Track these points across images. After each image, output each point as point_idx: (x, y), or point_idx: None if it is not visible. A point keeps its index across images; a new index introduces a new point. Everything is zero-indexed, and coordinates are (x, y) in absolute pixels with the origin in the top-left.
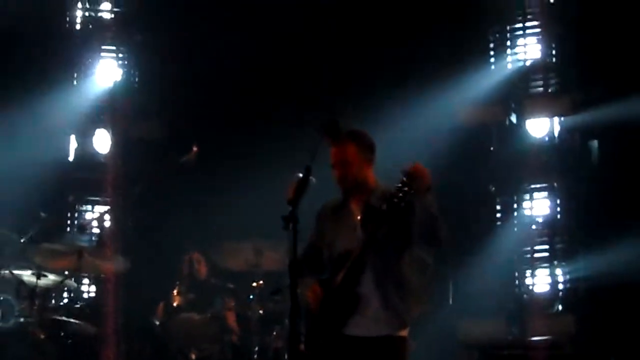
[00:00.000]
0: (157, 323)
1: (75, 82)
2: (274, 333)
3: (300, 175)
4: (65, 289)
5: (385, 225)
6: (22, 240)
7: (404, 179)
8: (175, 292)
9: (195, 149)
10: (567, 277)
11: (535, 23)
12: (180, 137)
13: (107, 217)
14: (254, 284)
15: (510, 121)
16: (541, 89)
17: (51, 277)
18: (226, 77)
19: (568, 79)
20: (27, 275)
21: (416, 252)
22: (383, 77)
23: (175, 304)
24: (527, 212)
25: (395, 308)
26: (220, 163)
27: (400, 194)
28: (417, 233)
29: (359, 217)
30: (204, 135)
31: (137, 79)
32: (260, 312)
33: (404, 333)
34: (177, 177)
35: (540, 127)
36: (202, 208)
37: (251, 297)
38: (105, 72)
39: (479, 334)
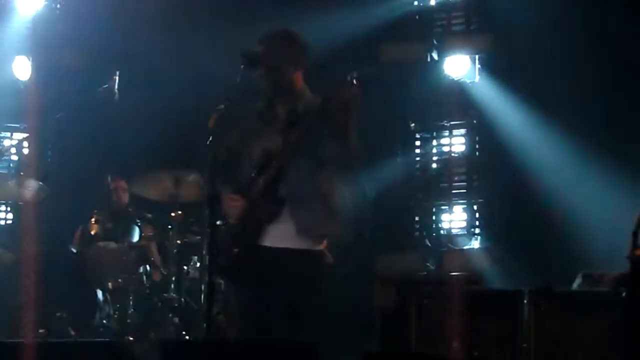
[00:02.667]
0: (74, 251)
1: None
2: (191, 264)
3: (222, 106)
4: None
5: (309, 131)
6: None
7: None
8: (93, 220)
9: (115, 77)
10: (483, 213)
11: None
12: (103, 65)
13: (25, 144)
14: (173, 215)
15: (431, 58)
16: (462, 26)
17: None
18: (150, 5)
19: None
20: None
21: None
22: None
23: (92, 232)
24: (445, 149)
25: (311, 220)
26: (142, 92)
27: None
28: (331, 150)
29: (284, 121)
30: (126, 62)
31: (58, 7)
32: (178, 242)
33: (321, 246)
34: (98, 105)
35: (461, 64)
36: (121, 137)
37: (170, 227)
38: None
39: (396, 269)
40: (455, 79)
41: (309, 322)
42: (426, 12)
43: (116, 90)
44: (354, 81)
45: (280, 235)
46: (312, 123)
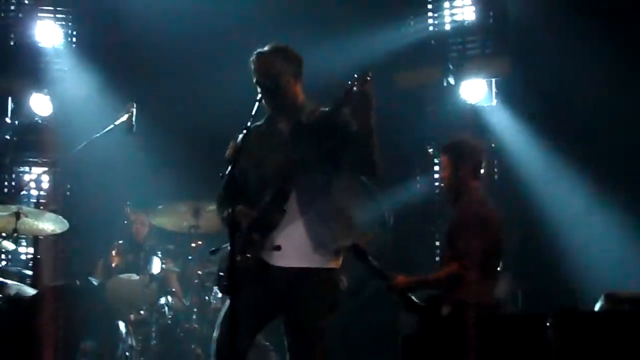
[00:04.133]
0: (96, 283)
1: (13, 43)
2: (212, 294)
3: (240, 136)
4: (3, 250)
5: (316, 143)
6: None
7: (354, 81)
8: (114, 252)
9: (133, 108)
10: None
11: None
12: (119, 97)
13: (45, 177)
14: (193, 245)
15: (448, 82)
16: (478, 50)
17: None
18: (167, 39)
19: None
20: None
21: (349, 177)
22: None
23: (113, 265)
24: None
25: (321, 237)
26: (158, 122)
27: (346, 96)
28: (350, 155)
29: (288, 135)
30: (143, 93)
31: (75, 40)
32: (199, 272)
33: (333, 265)
34: (115, 137)
35: (477, 88)
36: (140, 168)
37: (190, 258)
38: (45, 34)
39: (420, 293)
40: (472, 103)
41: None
42: (441, 37)
43: (134, 122)
44: (369, 77)
45: (285, 255)
46: (320, 133)
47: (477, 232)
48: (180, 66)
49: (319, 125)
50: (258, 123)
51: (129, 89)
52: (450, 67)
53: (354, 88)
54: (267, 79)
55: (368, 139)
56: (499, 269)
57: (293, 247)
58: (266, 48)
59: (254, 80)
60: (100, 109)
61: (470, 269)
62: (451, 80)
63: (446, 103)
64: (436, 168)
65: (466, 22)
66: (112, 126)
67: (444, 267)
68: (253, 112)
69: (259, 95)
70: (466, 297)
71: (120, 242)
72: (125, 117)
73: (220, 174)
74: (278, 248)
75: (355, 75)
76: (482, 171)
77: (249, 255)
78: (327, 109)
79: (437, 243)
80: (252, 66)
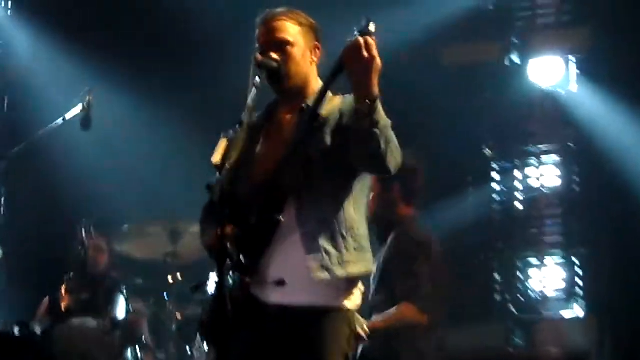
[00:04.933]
0: (38, 331)
1: None
2: (196, 345)
3: (232, 132)
4: None
5: (328, 138)
6: None
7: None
8: (63, 289)
9: (89, 97)
10: (587, 268)
11: None
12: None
13: None
14: (170, 279)
15: (511, 61)
16: (552, 18)
17: None
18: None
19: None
20: None
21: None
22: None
23: (63, 306)
24: (532, 182)
25: (324, 257)
26: (125, 118)
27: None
28: (354, 151)
29: (293, 128)
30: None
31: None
32: (179, 316)
33: (345, 302)
34: (66, 134)
35: (551, 69)
36: (100, 175)
37: (166, 296)
38: None
39: (472, 347)
40: (544, 89)
41: None
42: (504, 3)
43: (91, 115)
44: (371, 26)
45: (293, 280)
46: (334, 126)
47: (423, 263)
48: (158, 36)
49: (334, 116)
50: (256, 115)
51: (91, 68)
52: (515, 40)
53: (351, 43)
54: (278, 49)
55: (369, 114)
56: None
57: (291, 273)
58: (277, 10)
59: (258, 53)
60: (52, 94)
61: (427, 311)
62: (515, 59)
63: (509, 88)
64: (495, 176)
65: None
66: (61, 120)
67: (394, 309)
68: (249, 101)
69: (257, 78)
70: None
71: (72, 275)
72: (79, 109)
73: (207, 185)
74: (281, 283)
75: (355, 29)
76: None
77: (239, 291)
78: (349, 95)
79: (497, 276)
80: (259, 31)
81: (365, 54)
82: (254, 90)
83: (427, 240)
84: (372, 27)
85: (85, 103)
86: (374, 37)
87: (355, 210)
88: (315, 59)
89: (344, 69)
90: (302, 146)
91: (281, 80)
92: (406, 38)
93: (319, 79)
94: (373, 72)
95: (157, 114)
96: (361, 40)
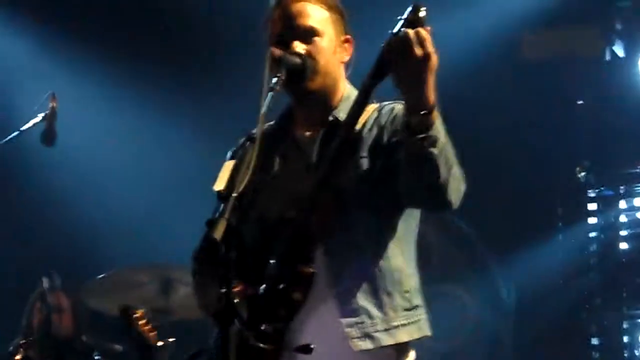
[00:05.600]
0: None
1: None
2: None
3: (240, 152)
4: None
5: (365, 161)
6: None
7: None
8: (18, 358)
9: (53, 103)
10: None
11: None
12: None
13: None
14: (160, 343)
15: (613, 54)
16: None
17: None
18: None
19: None
20: None
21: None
22: None
23: None
24: None
25: (370, 328)
26: (101, 131)
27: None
28: (405, 180)
29: (316, 148)
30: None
31: None
32: None
33: None
34: (25, 149)
35: None
36: (68, 206)
37: None
38: None
39: None
40: None
41: None
42: None
43: (55, 127)
44: (421, 13)
45: (326, 354)
46: (373, 149)
47: None
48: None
49: (371, 131)
50: (269, 126)
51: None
52: (618, 27)
53: (397, 37)
54: (303, 41)
55: (424, 129)
56: None
57: (324, 341)
58: None
59: (274, 44)
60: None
61: None
62: (619, 51)
63: (611, 89)
64: (592, 207)
65: None
66: (17, 133)
67: None
68: (263, 109)
69: (273, 79)
70: None
71: (31, 339)
72: (39, 118)
73: (207, 221)
74: (307, 350)
75: (399, 17)
76: None
77: None
78: (388, 103)
79: (595, 341)
80: (275, 16)
81: (418, 50)
82: (269, 95)
83: None
84: (422, 14)
85: (46, 111)
86: (427, 27)
87: (403, 257)
88: (347, 57)
89: (388, 71)
90: (332, 175)
91: (305, 81)
92: (471, 24)
93: (348, 83)
94: (429, 73)
95: (145, 125)
96: (411, 32)
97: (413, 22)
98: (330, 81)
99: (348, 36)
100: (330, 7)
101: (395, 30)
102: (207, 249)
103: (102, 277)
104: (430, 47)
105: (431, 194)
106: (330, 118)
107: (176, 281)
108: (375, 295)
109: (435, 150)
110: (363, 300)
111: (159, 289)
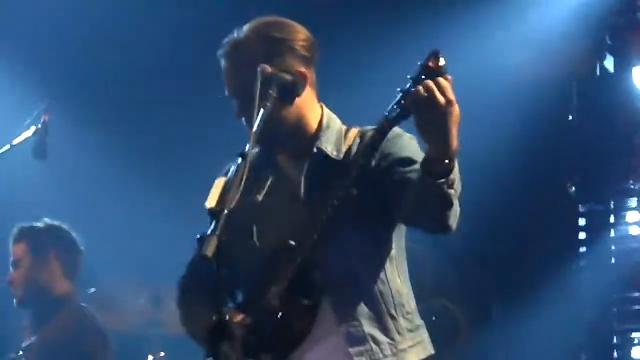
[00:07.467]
0: None
1: None
2: None
3: (232, 169)
4: None
5: (353, 191)
6: None
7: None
8: None
9: (45, 117)
10: None
11: None
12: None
13: None
14: (150, 357)
15: (603, 70)
16: None
17: None
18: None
19: None
20: None
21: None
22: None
23: None
24: (633, 231)
25: (378, 354)
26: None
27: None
28: (409, 208)
29: (302, 178)
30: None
31: None
32: None
33: None
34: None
35: None
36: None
37: None
38: None
39: None
40: None
41: None
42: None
43: (46, 141)
44: (440, 61)
45: None
46: (361, 175)
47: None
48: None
49: (359, 159)
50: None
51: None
52: (608, 41)
53: (418, 86)
54: (247, 90)
55: (446, 174)
56: None
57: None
58: (244, 29)
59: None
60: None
61: None
62: (609, 65)
63: (602, 105)
64: (581, 222)
65: None
66: (8, 147)
67: None
68: (255, 126)
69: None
70: None
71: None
72: (30, 132)
73: (198, 237)
74: None
75: (420, 63)
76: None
77: None
78: (371, 128)
79: (583, 357)
80: (225, 64)
81: (441, 98)
82: (261, 111)
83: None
84: (442, 62)
85: (38, 125)
86: (447, 76)
87: (400, 277)
88: (303, 93)
89: (409, 117)
90: (326, 207)
91: (294, 100)
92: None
93: (320, 104)
94: (452, 122)
95: (135, 145)
96: (431, 84)
97: (434, 71)
98: (299, 121)
99: (312, 66)
100: (279, 42)
101: (414, 75)
102: (196, 264)
103: (92, 291)
104: (452, 96)
105: (436, 222)
106: (315, 150)
107: (165, 296)
108: (380, 320)
109: (452, 191)
110: (368, 327)
111: (149, 302)
